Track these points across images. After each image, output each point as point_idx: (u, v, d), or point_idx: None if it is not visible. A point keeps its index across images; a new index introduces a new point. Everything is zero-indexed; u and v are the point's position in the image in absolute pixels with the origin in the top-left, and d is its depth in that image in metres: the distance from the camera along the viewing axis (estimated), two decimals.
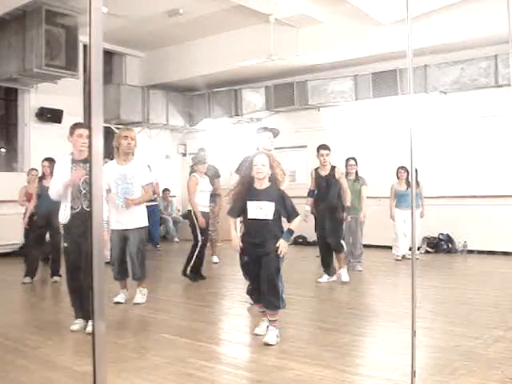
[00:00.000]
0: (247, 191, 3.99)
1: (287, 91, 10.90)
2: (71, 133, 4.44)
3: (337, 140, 10.33)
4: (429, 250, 9.43)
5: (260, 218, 3.92)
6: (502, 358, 3.52)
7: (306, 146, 10.94)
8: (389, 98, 9.72)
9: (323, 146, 6.62)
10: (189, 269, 6.82)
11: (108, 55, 11.63)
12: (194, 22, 9.68)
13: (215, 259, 8.37)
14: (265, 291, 3.96)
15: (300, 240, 10.66)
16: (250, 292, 4.33)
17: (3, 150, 10.63)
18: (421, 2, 7.19)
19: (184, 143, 13.33)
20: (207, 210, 6.99)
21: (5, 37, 9.11)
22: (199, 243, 6.76)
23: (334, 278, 6.61)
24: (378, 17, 8.26)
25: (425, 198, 8.44)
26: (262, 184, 3.99)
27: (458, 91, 9.22)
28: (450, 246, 9.39)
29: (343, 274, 6.56)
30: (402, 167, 8.36)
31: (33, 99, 10.17)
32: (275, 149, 5.18)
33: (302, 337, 4.20)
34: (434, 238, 9.51)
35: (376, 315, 5.13)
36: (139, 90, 11.42)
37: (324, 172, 6.57)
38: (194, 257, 6.77)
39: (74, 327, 4.32)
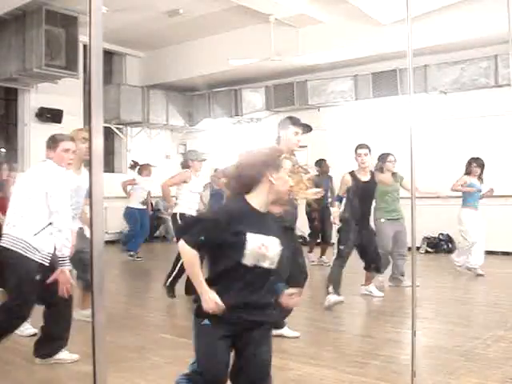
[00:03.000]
0: (242, 214, 2.17)
1: (287, 91, 10.90)
2: (54, 147, 3.54)
3: (337, 140, 10.34)
4: (429, 250, 9.43)
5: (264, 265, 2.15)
6: (502, 358, 3.51)
7: (306, 146, 10.93)
8: (389, 97, 9.71)
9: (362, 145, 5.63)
10: (170, 280, 5.58)
11: (108, 55, 11.63)
12: (194, 22, 9.68)
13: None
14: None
15: (300, 240, 10.65)
16: None
17: (3, 150, 10.63)
18: (421, 2, 7.19)
19: (184, 143, 13.31)
20: (194, 213, 5.79)
21: (5, 37, 9.11)
22: None
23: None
24: (378, 17, 8.26)
25: (425, 198, 8.30)
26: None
27: (458, 91, 9.21)
28: (450, 245, 9.38)
29: (375, 289, 5.80)
30: (476, 159, 7.05)
31: (33, 99, 10.17)
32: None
33: (302, 337, 4.19)
34: (434, 237, 9.51)
35: (376, 315, 5.13)
36: (139, 90, 11.42)
37: (365, 177, 5.52)
38: (178, 266, 5.45)
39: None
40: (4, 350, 3.89)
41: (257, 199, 2.18)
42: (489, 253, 8.86)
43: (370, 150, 5.57)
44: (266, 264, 2.13)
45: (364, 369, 3.51)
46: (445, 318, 4.69)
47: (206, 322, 2.13)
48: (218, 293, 2.10)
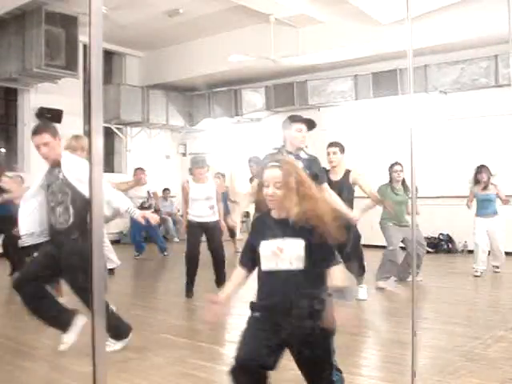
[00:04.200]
0: (261, 226, 2.32)
1: (287, 91, 10.91)
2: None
3: (337, 140, 10.34)
4: (429, 249, 9.41)
5: (282, 267, 2.18)
6: (502, 358, 3.51)
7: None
8: (389, 98, 9.72)
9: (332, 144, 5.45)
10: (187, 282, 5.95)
11: (108, 55, 11.63)
12: (194, 22, 9.68)
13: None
14: None
15: None
16: None
17: (3, 150, 10.63)
18: (421, 2, 7.19)
19: (184, 143, 13.32)
20: (202, 219, 5.92)
21: (5, 37, 9.11)
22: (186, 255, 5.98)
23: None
24: (378, 17, 8.27)
25: (425, 198, 8.32)
26: (280, 212, 2.24)
27: (457, 91, 9.22)
28: (450, 246, 9.39)
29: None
30: (483, 166, 7.13)
31: (33, 99, 10.17)
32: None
33: None
34: (434, 238, 9.51)
35: (376, 315, 5.13)
36: (139, 90, 11.43)
37: (335, 176, 5.32)
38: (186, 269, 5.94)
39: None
40: (4, 350, 3.89)
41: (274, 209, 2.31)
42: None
43: (341, 149, 5.38)
44: (284, 266, 2.17)
45: (364, 369, 3.51)
46: (445, 318, 4.69)
47: (256, 314, 2.28)
48: (258, 296, 2.30)
